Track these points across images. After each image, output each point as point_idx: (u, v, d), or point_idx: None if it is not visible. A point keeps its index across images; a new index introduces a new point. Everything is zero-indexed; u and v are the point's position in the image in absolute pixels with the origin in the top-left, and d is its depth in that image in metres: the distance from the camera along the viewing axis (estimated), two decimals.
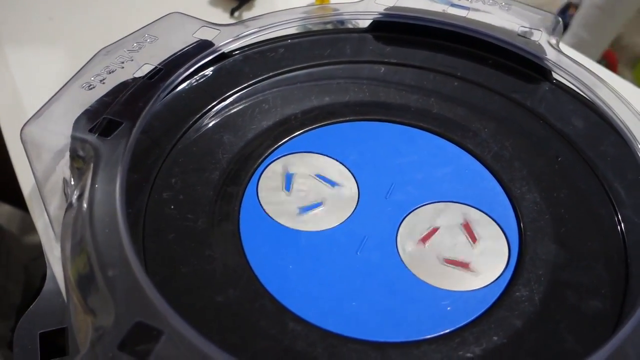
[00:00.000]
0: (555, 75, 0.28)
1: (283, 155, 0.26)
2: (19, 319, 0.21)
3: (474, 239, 0.23)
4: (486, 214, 0.24)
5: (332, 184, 0.25)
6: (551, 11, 0.30)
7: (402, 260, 0.22)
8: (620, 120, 0.25)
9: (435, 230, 0.23)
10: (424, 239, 0.23)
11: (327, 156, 0.26)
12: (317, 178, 0.25)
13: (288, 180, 0.24)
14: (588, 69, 0.27)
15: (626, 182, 0.24)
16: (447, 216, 0.24)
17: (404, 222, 0.23)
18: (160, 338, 0.15)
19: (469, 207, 0.24)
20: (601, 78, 0.26)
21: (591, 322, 0.20)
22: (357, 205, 0.24)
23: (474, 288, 0.21)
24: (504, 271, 0.22)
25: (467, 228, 0.23)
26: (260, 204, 0.24)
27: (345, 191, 0.24)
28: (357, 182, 0.25)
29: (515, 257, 0.22)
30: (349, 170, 0.25)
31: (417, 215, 0.24)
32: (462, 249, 0.22)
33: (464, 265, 0.22)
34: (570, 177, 0.25)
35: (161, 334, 0.15)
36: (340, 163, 0.25)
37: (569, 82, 0.27)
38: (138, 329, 0.15)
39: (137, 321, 0.15)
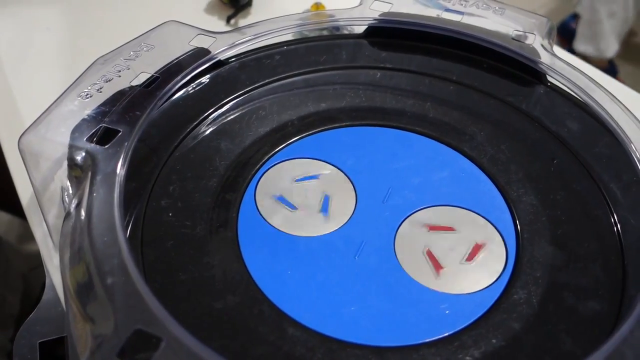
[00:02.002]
0: (549, 78, 0.29)
1: (280, 162, 0.26)
2: (18, 328, 0.21)
3: (471, 242, 0.23)
4: (483, 217, 0.24)
5: (315, 177, 0.25)
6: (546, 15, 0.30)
7: (400, 264, 0.22)
8: (615, 122, 0.25)
9: (432, 234, 0.23)
10: (422, 243, 0.23)
11: (324, 162, 0.26)
12: (304, 181, 0.25)
13: (285, 202, 0.24)
14: (582, 71, 0.27)
15: (622, 183, 0.24)
16: (444, 220, 0.24)
17: (401, 226, 0.23)
18: (160, 345, 0.15)
19: (466, 211, 0.24)
20: (595, 80, 0.26)
21: (589, 323, 0.20)
22: (354, 210, 0.24)
23: (472, 291, 0.21)
24: (501, 274, 0.22)
25: (464, 231, 0.23)
26: (258, 211, 0.24)
27: (341, 191, 0.24)
28: (354, 187, 0.25)
29: (512, 259, 0.22)
30: (346, 175, 0.25)
31: (415, 220, 0.24)
32: (460, 252, 0.23)
33: (461, 269, 0.22)
34: (566, 179, 0.25)
35: (160, 341, 0.15)
36: (338, 168, 0.26)
37: (563, 84, 0.28)
38: (137, 337, 0.15)
39: (136, 329, 0.15)
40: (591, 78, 0.27)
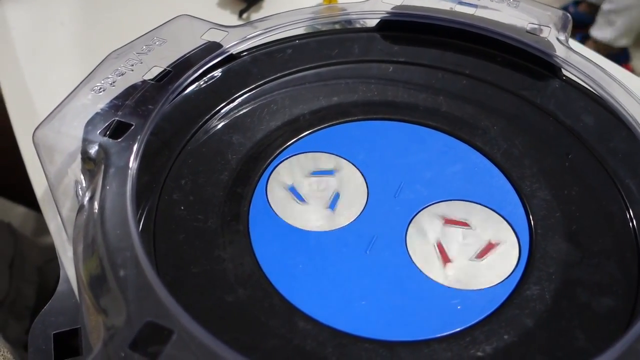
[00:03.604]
0: (564, 72, 0.28)
1: (292, 155, 0.26)
2: (33, 320, 0.21)
3: (484, 237, 0.23)
4: (496, 212, 0.24)
5: (331, 172, 0.25)
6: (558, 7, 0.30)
7: (411, 259, 0.22)
8: (631, 116, 0.24)
9: (445, 229, 0.23)
10: (434, 238, 0.23)
11: (336, 155, 0.26)
12: (319, 175, 0.25)
13: (295, 193, 0.24)
14: (597, 65, 0.27)
15: (638, 178, 0.24)
16: (456, 215, 0.24)
17: (413, 220, 0.23)
18: (171, 337, 0.15)
19: (479, 206, 0.24)
20: (611, 74, 0.26)
21: (603, 320, 0.20)
22: (366, 204, 0.24)
23: (484, 287, 0.21)
24: (514, 269, 0.22)
25: (477, 226, 0.23)
26: (270, 204, 0.24)
27: (353, 185, 0.24)
28: (366, 181, 0.25)
29: (525, 255, 0.22)
30: (358, 169, 0.25)
31: (427, 214, 0.24)
32: (472, 247, 0.22)
33: (475, 263, 0.22)
34: (580, 174, 0.25)
35: (172, 333, 0.15)
36: (350, 162, 0.25)
37: (579, 78, 0.27)
38: (149, 329, 0.16)
39: (148, 321, 0.16)
40: (607, 71, 0.26)
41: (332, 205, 0.24)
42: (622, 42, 1.16)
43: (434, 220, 0.23)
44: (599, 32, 1.16)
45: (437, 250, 0.22)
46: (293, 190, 0.24)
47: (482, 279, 0.21)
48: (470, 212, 0.24)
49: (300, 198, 0.24)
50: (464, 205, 0.24)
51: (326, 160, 0.26)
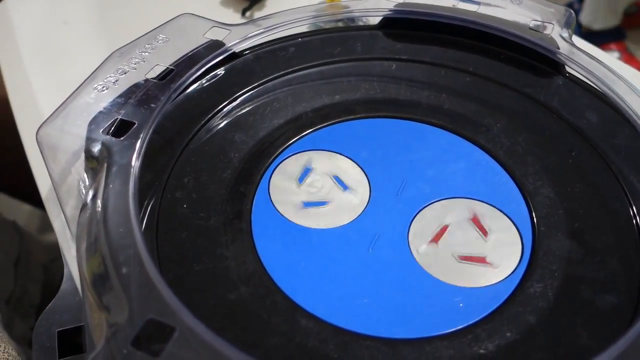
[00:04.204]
0: (568, 69, 0.28)
1: (294, 154, 0.26)
2: (38, 318, 0.21)
3: (486, 234, 0.23)
4: (499, 209, 0.23)
5: (344, 187, 0.25)
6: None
7: (413, 257, 0.22)
8: (635, 113, 0.24)
9: (447, 226, 0.23)
10: (436, 236, 0.23)
11: (339, 154, 0.26)
12: (332, 179, 0.25)
13: (305, 174, 0.24)
14: (601, 61, 0.26)
15: None
16: (459, 212, 0.24)
17: (415, 218, 0.23)
18: (173, 335, 0.15)
19: (482, 203, 0.24)
20: (615, 71, 0.26)
21: (606, 317, 0.20)
22: (368, 202, 0.24)
23: (487, 284, 0.21)
24: (517, 267, 0.22)
25: (480, 224, 0.23)
26: (272, 202, 0.24)
27: (354, 196, 0.24)
28: (368, 179, 0.25)
29: (528, 252, 0.22)
30: (360, 167, 0.25)
31: (429, 212, 0.24)
32: (475, 245, 0.22)
33: (478, 261, 0.22)
34: (584, 171, 0.24)
35: (174, 330, 0.15)
36: (352, 160, 0.25)
37: (582, 75, 0.27)
38: (151, 326, 0.16)
39: (150, 318, 0.16)
40: (611, 68, 0.26)
41: (335, 204, 0.24)
42: (600, 25, 1.14)
43: (437, 218, 0.23)
44: (583, 17, 1.15)
45: (440, 248, 0.22)
46: (296, 188, 0.24)
47: (484, 277, 0.21)
48: (473, 210, 0.24)
49: (303, 197, 0.24)
50: (467, 202, 0.24)
51: (328, 158, 0.26)
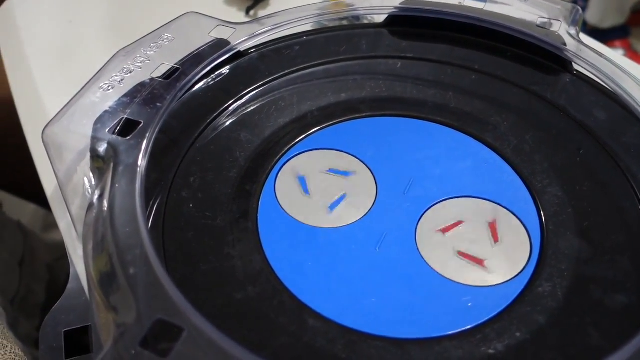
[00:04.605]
0: (575, 66, 0.28)
1: (300, 153, 0.26)
2: (44, 317, 0.21)
3: (495, 234, 0.23)
4: (507, 208, 0.23)
5: (351, 186, 0.25)
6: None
7: (421, 255, 0.22)
8: None
9: (454, 225, 0.23)
10: (444, 235, 0.23)
11: (345, 152, 0.26)
12: (333, 173, 0.25)
13: (303, 184, 0.24)
14: (609, 58, 0.26)
15: None
16: (466, 211, 0.23)
17: (423, 217, 0.23)
18: (181, 335, 0.15)
19: (489, 202, 0.24)
20: (623, 68, 0.26)
21: (616, 317, 0.20)
22: (375, 201, 0.24)
23: (496, 283, 0.21)
24: (525, 266, 0.21)
25: (488, 223, 0.23)
26: (278, 202, 0.24)
27: (361, 195, 0.24)
28: (375, 178, 0.25)
29: (537, 252, 0.22)
30: (367, 166, 0.25)
31: (437, 211, 0.23)
32: (483, 244, 0.22)
33: (476, 262, 0.22)
34: (592, 169, 0.24)
35: (182, 331, 0.15)
36: (358, 159, 0.25)
37: (590, 72, 0.27)
38: (159, 327, 0.15)
39: (158, 318, 0.16)
40: (619, 65, 0.26)
41: (338, 202, 0.24)
42: (607, 24, 1.14)
43: (444, 217, 0.23)
44: (589, 16, 1.16)
45: (448, 247, 0.22)
46: (302, 187, 0.24)
47: (493, 276, 0.21)
48: (481, 209, 0.23)
49: (309, 196, 0.24)
50: (474, 202, 0.24)
51: (335, 157, 0.25)
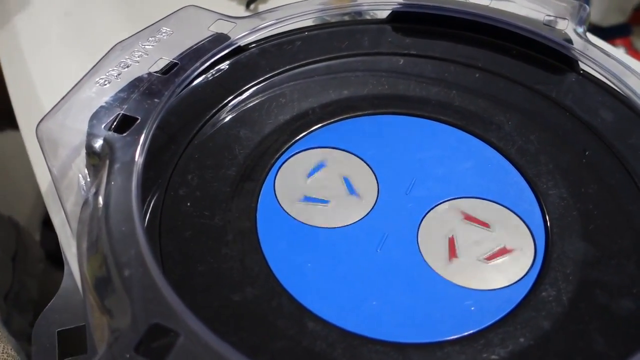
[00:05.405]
0: (582, 66, 0.27)
1: (301, 151, 0.25)
2: (37, 313, 0.21)
3: (498, 236, 0.22)
4: (511, 210, 0.23)
5: (351, 185, 0.24)
6: None
7: (423, 258, 0.21)
8: None
9: (458, 226, 0.22)
10: (447, 236, 0.22)
11: (346, 151, 0.25)
12: (339, 177, 0.24)
13: (311, 172, 0.24)
14: (617, 58, 0.26)
15: None
16: (470, 212, 0.23)
17: (425, 218, 0.23)
18: (177, 340, 0.15)
19: (493, 203, 0.23)
20: (630, 67, 0.25)
21: (622, 322, 0.19)
22: (376, 201, 0.23)
23: (499, 287, 0.21)
24: (529, 270, 0.21)
25: (491, 225, 0.22)
26: (278, 201, 0.23)
27: (362, 194, 0.24)
28: (376, 177, 0.24)
29: (541, 255, 0.21)
30: (368, 165, 0.25)
31: (439, 212, 0.23)
32: (486, 246, 0.22)
33: (501, 253, 0.21)
34: (598, 171, 0.24)
35: (178, 335, 0.15)
36: (359, 158, 0.25)
37: (597, 72, 0.26)
38: (155, 331, 0.15)
39: (153, 323, 0.15)
40: (627, 65, 0.25)
41: (339, 201, 0.23)
42: (608, 22, 1.14)
43: (447, 218, 0.23)
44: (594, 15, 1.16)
45: (449, 249, 0.22)
46: (302, 186, 0.24)
47: (496, 279, 0.21)
48: (484, 210, 0.23)
49: (309, 194, 0.24)
50: (478, 202, 0.23)
51: (336, 156, 0.25)
